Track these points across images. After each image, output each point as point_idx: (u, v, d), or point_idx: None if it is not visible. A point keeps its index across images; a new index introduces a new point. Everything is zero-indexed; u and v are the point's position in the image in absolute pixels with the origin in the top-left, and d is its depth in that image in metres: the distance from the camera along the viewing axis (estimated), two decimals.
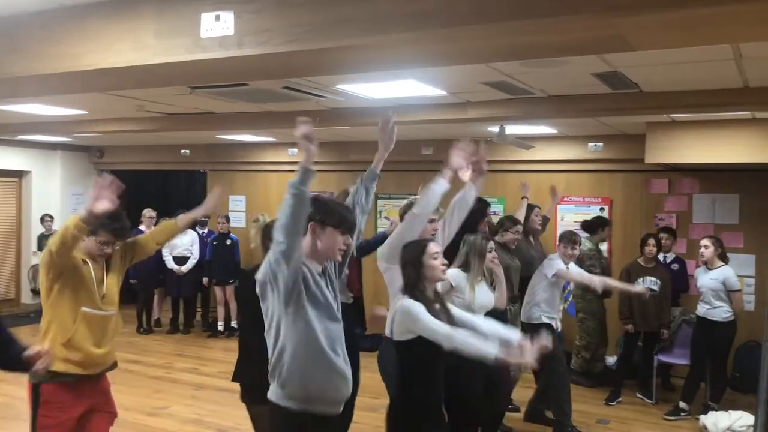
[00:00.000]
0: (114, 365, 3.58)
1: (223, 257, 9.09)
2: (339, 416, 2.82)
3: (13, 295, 10.77)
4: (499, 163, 8.30)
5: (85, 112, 6.84)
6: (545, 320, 5.25)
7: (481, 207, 4.99)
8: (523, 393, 5.99)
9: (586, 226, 7.14)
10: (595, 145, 7.63)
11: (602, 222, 7.14)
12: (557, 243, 5.69)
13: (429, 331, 3.00)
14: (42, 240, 10.05)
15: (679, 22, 2.34)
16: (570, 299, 6.74)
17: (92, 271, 3.42)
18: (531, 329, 5.03)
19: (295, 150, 9.53)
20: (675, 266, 6.88)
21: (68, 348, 3.29)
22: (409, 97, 5.32)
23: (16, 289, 10.80)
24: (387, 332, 3.56)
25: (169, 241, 4.01)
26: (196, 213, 3.94)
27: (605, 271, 6.73)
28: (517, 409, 5.89)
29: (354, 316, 4.77)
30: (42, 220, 10.16)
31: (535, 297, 5.30)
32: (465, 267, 4.30)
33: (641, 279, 6.35)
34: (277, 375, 2.68)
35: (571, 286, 6.34)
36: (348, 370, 2.76)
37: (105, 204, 3.08)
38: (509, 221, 5.42)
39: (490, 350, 2.85)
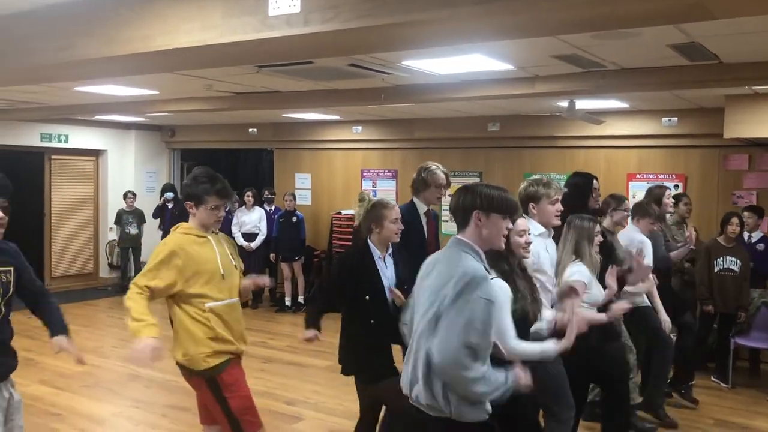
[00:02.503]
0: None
1: (289, 234, 9.24)
2: None
3: (91, 270, 11.26)
4: (568, 139, 8.12)
5: (156, 92, 7.02)
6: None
7: (585, 182, 4.66)
8: None
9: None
10: (670, 120, 7.33)
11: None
12: (632, 216, 5.30)
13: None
14: (122, 216, 10.44)
15: None
16: None
17: (215, 247, 3.40)
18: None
19: (360, 127, 9.56)
20: (761, 246, 6.47)
21: (217, 341, 3.33)
22: (475, 72, 5.23)
23: (94, 264, 11.29)
24: None
25: None
26: None
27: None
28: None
29: None
30: (125, 196, 10.55)
31: None
32: (579, 255, 3.97)
33: (720, 258, 6.11)
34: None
35: None
36: None
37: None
38: (615, 200, 5.00)
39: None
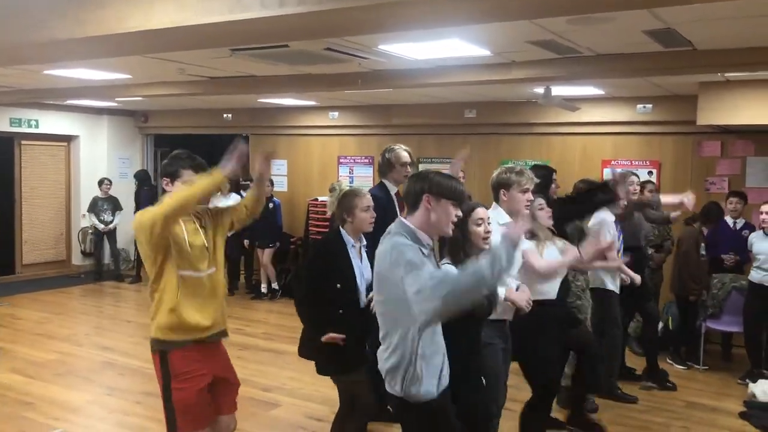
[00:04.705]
0: (224, 332, 3.39)
1: (265, 221, 9.15)
2: None
3: (63, 257, 11.11)
4: (545, 125, 8.16)
5: (129, 76, 6.91)
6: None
7: (546, 174, 4.84)
8: None
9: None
10: (644, 107, 7.41)
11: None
12: None
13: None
14: (98, 203, 10.31)
15: None
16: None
17: (183, 227, 3.22)
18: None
19: (336, 113, 9.50)
20: (746, 232, 6.42)
21: (173, 314, 3.14)
22: (452, 58, 5.22)
23: (66, 251, 11.13)
24: None
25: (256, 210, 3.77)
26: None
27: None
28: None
29: None
30: (101, 183, 10.41)
31: None
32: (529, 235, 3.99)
33: (699, 248, 6.22)
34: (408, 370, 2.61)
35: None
36: None
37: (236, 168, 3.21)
38: (582, 183, 5.14)
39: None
